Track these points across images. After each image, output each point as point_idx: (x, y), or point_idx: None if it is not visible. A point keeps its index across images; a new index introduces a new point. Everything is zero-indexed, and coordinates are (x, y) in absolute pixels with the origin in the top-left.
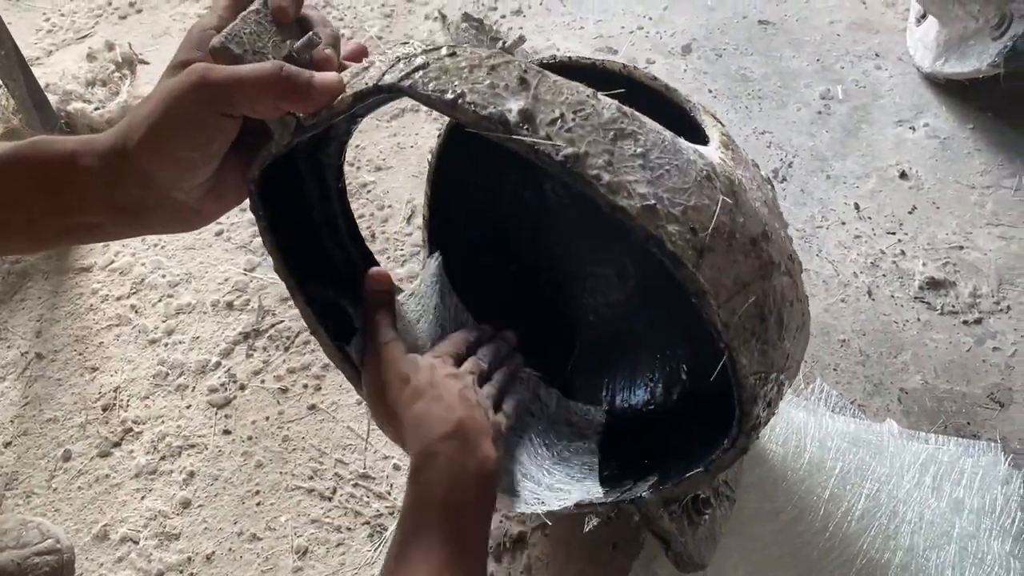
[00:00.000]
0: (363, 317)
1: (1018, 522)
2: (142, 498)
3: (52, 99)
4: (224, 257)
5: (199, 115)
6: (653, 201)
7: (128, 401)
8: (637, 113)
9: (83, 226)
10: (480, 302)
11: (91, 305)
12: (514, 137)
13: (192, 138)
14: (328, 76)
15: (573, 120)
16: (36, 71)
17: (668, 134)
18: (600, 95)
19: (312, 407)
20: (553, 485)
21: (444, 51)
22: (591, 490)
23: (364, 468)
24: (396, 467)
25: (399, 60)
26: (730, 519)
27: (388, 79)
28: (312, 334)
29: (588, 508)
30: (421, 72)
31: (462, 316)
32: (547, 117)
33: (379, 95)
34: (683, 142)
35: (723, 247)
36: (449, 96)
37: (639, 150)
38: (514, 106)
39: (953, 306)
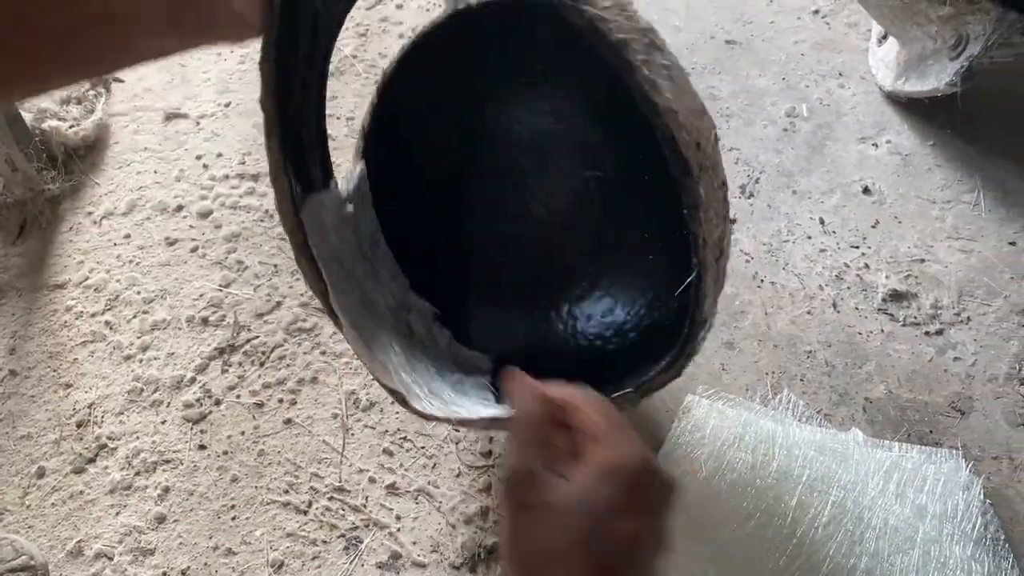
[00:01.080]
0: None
1: (979, 527)
2: (117, 514)
3: (27, 117)
4: (199, 273)
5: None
6: (676, 108)
7: (103, 417)
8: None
9: (141, 47)
10: (396, 230)
11: (65, 322)
12: (580, 6)
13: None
14: None
15: (621, 14)
16: None
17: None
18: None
19: (287, 421)
20: (454, 402)
21: None
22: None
23: (339, 481)
24: (371, 480)
25: None
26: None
27: None
28: (273, 181)
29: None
30: None
31: (376, 235)
32: (602, 2)
33: None
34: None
35: (710, 174)
36: None
37: (665, 62)
38: None
39: (915, 317)
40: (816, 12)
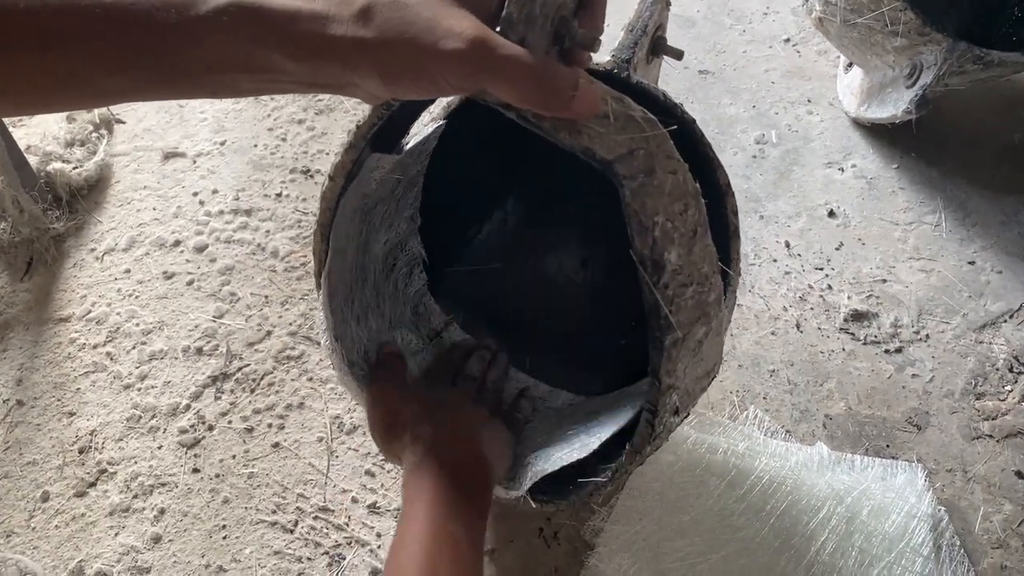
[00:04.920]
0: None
1: (928, 542)
2: (116, 535)
3: (32, 160)
4: (195, 305)
5: (443, 88)
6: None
7: (103, 443)
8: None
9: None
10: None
11: (69, 353)
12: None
13: (423, 92)
14: (591, 97)
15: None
16: (19, 132)
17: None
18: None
19: (276, 445)
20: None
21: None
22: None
23: (324, 501)
24: (354, 500)
25: None
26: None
27: None
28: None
29: None
30: None
31: (417, 179)
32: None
33: None
34: None
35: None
36: None
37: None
38: None
39: (875, 336)
40: (787, 40)
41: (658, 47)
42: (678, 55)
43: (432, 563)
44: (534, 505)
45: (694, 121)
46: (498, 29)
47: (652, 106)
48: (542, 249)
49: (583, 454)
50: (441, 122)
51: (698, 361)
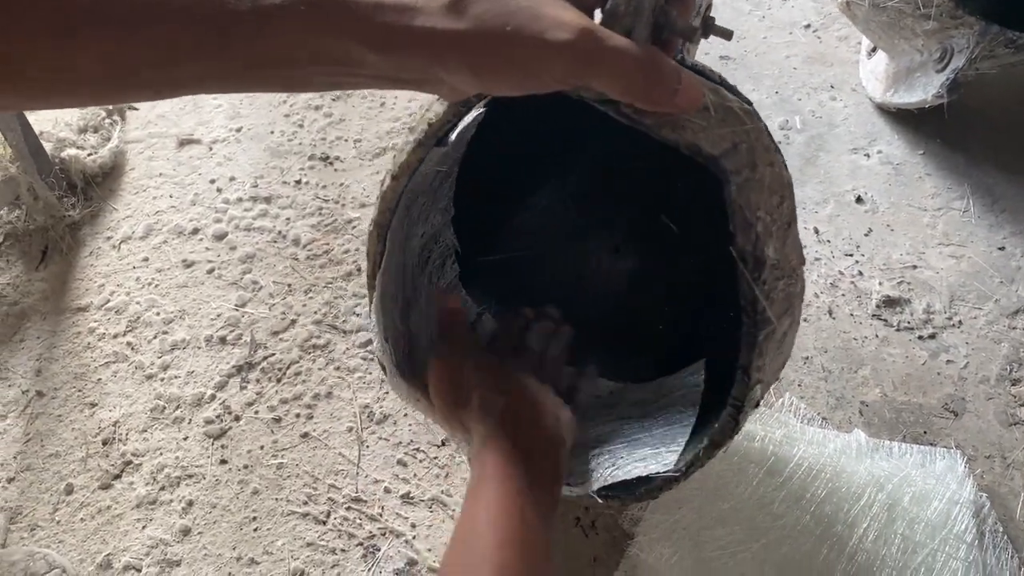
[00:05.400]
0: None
1: (971, 528)
2: (143, 527)
3: (47, 146)
4: (216, 294)
5: (545, 82)
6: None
7: (127, 435)
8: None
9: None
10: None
11: (88, 343)
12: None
13: (519, 87)
14: (695, 90)
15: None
16: (29, 119)
17: None
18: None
19: (305, 435)
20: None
21: None
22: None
23: (356, 492)
24: (387, 490)
25: None
26: None
27: None
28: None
29: None
30: None
31: (453, 168)
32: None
33: None
34: None
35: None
36: None
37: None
38: None
39: (908, 322)
40: (808, 27)
41: (708, 27)
42: (727, 35)
43: (505, 550)
44: (600, 502)
45: (751, 103)
46: (600, 20)
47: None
48: (575, 237)
49: (663, 468)
50: (481, 110)
51: (780, 353)
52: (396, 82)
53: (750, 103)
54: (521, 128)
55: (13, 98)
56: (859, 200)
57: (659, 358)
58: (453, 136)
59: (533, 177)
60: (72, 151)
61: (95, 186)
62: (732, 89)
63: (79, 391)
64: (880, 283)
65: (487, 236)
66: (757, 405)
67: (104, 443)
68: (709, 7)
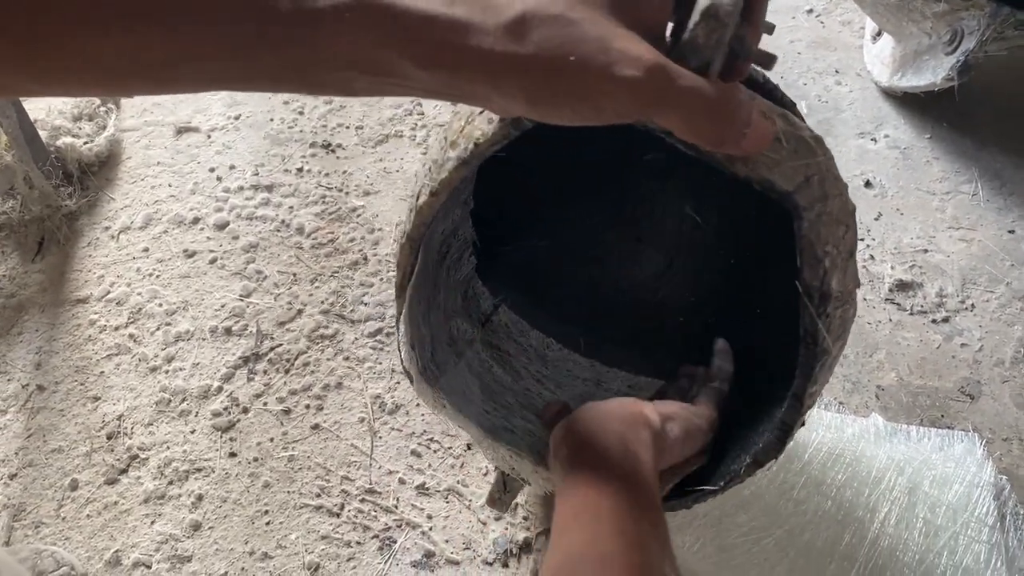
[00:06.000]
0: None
1: (992, 511)
2: (152, 523)
3: (42, 134)
4: (219, 284)
5: (607, 116)
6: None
7: (132, 428)
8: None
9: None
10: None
11: (89, 336)
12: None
13: (578, 118)
14: (764, 133)
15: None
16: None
17: None
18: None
19: (315, 427)
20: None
21: None
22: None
23: (370, 483)
24: (401, 481)
25: None
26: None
27: None
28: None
29: None
30: None
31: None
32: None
33: None
34: None
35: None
36: None
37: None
38: None
39: (922, 306)
40: (810, 11)
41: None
42: (769, 29)
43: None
44: None
45: (794, 104)
46: (673, 50)
47: (752, 88)
48: (595, 225)
49: (714, 485)
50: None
51: (829, 374)
52: (442, 96)
53: (793, 105)
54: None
55: (32, 84)
56: (868, 184)
57: (682, 352)
58: None
59: (559, 168)
60: (68, 139)
61: (92, 175)
62: (774, 91)
63: (81, 384)
64: (892, 267)
65: (505, 226)
66: (803, 424)
67: (108, 437)
68: None
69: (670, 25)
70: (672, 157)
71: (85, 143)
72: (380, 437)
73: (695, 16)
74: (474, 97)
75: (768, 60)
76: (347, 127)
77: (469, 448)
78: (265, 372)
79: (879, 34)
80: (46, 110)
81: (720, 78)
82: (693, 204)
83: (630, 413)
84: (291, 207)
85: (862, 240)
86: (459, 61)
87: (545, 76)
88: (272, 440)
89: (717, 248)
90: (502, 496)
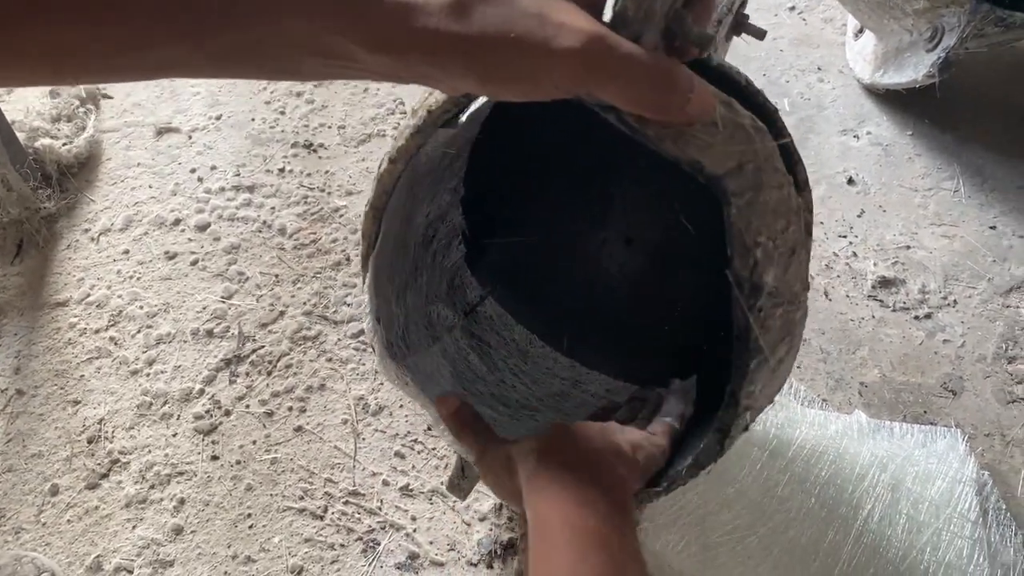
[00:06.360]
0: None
1: (975, 506)
2: (133, 527)
3: (20, 136)
4: (201, 286)
5: (547, 90)
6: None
7: (113, 432)
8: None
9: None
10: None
11: (69, 339)
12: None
13: (521, 94)
14: (706, 101)
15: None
16: (1, 107)
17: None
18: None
19: (298, 429)
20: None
21: None
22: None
23: (354, 485)
24: (385, 483)
25: None
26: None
27: None
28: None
29: None
30: None
31: (464, 148)
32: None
33: None
34: None
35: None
36: None
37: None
38: None
39: (904, 302)
40: (792, 8)
41: (740, 25)
42: (760, 34)
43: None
44: None
45: (776, 111)
46: (607, 25)
47: (733, 93)
48: (586, 224)
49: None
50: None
51: (775, 379)
52: (392, 79)
53: (775, 111)
54: (541, 114)
55: None
56: (850, 181)
57: (663, 364)
58: (463, 118)
59: (551, 162)
60: (46, 141)
61: (71, 177)
62: (756, 94)
63: (61, 388)
64: (875, 264)
65: (500, 218)
66: (746, 429)
67: (89, 441)
68: (743, 4)
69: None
70: (656, 165)
71: (64, 144)
72: (363, 439)
73: None
74: (424, 78)
75: (759, 33)
76: (329, 127)
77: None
78: (247, 374)
79: (861, 31)
80: (24, 111)
81: None
82: (685, 211)
83: (612, 442)
84: (273, 208)
85: (844, 237)
86: (406, 43)
87: (488, 54)
88: (255, 443)
89: (706, 257)
90: (460, 482)
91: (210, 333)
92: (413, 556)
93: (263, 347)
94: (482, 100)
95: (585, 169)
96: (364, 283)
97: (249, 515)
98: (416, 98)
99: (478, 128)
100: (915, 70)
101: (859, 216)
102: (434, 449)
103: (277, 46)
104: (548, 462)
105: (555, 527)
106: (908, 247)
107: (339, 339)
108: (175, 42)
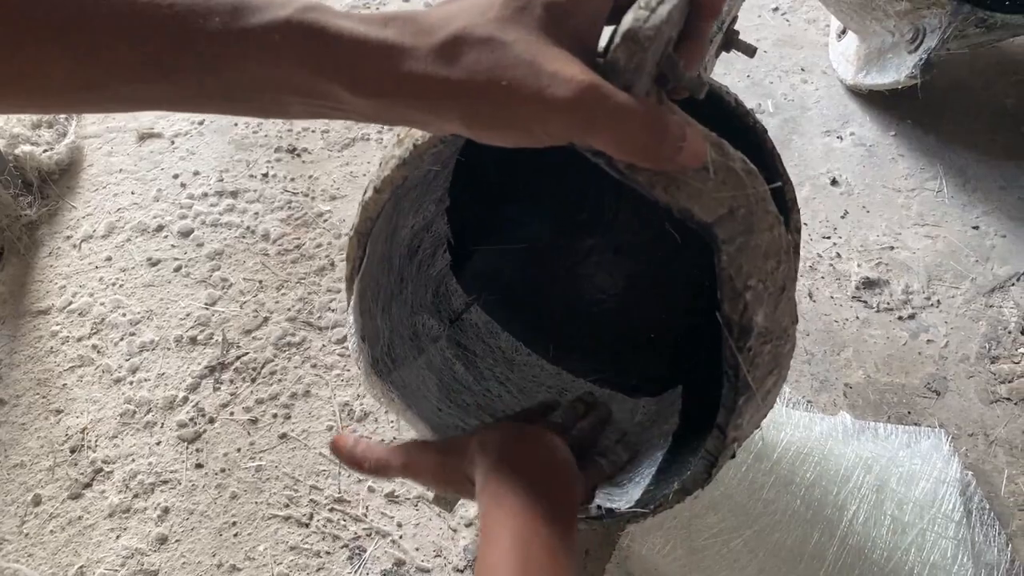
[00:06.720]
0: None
1: (959, 507)
2: (117, 537)
3: (0, 143)
4: (184, 293)
5: (539, 138)
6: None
7: (96, 441)
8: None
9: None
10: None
11: (51, 347)
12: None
13: (512, 141)
14: (698, 149)
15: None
16: None
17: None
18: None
19: (283, 436)
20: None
21: None
22: None
23: (339, 492)
24: (370, 489)
25: None
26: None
27: None
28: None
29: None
30: None
31: (450, 161)
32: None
33: None
34: None
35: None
36: None
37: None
38: None
39: (888, 303)
40: (776, 9)
41: (730, 42)
42: (751, 51)
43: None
44: None
45: (765, 131)
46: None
47: (722, 114)
48: (576, 234)
49: (626, 504)
50: None
51: (762, 409)
52: (378, 121)
53: (764, 131)
54: None
55: None
56: (834, 182)
57: (649, 373)
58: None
59: (536, 171)
60: (26, 147)
61: (52, 184)
62: (745, 115)
63: (43, 397)
64: (858, 265)
65: (484, 226)
66: (733, 456)
67: (72, 451)
68: (734, 20)
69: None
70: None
71: (45, 151)
72: None
73: (616, 38)
74: (412, 121)
75: (749, 50)
76: (312, 131)
77: None
78: (231, 381)
79: (844, 32)
80: (4, 118)
81: None
82: (671, 221)
83: (563, 458)
84: (257, 213)
85: (828, 238)
86: (392, 87)
87: (478, 101)
88: (239, 450)
89: (692, 267)
90: (447, 495)
91: (194, 340)
92: (399, 563)
93: (247, 354)
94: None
95: (573, 177)
96: (349, 305)
97: (234, 523)
98: None
99: (463, 142)
100: (897, 71)
101: (843, 217)
102: None
103: (259, 86)
104: (507, 466)
105: (504, 535)
106: (892, 248)
107: (324, 345)
108: (152, 79)
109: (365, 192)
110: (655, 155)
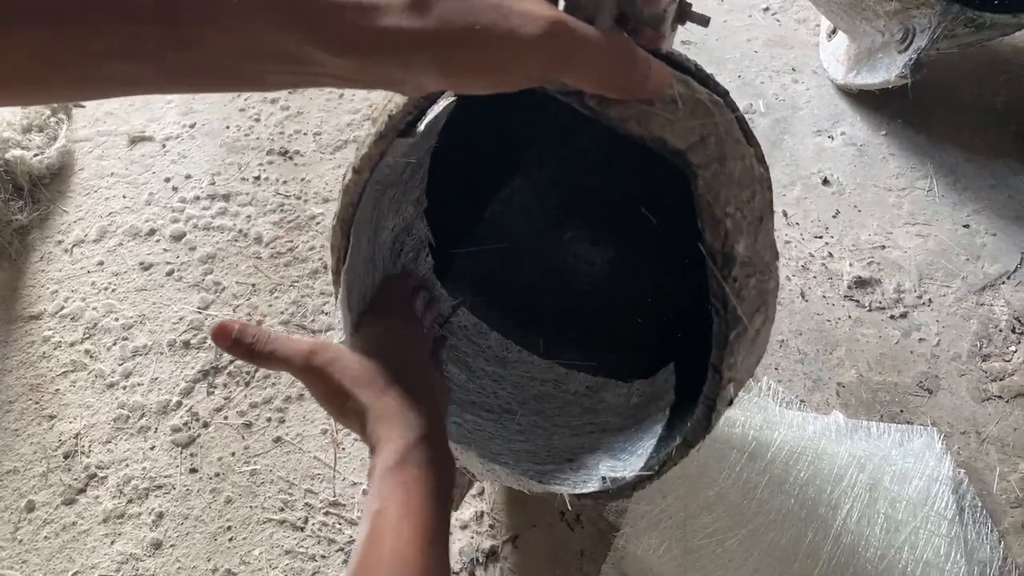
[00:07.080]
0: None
1: (951, 505)
2: (112, 543)
3: None
4: (177, 297)
5: (517, 80)
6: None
7: (90, 447)
8: None
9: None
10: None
11: (43, 353)
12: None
13: (489, 86)
14: (663, 76)
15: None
16: None
17: None
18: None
19: (277, 440)
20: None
21: None
22: None
23: (334, 496)
24: (365, 492)
25: None
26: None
27: None
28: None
29: None
30: None
31: (424, 158)
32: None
33: None
34: None
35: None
36: None
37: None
38: None
39: (880, 302)
40: (766, 9)
41: (684, 13)
42: (705, 22)
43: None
44: (577, 501)
45: (727, 93)
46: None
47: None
48: (553, 228)
49: (632, 472)
50: (452, 99)
51: (753, 351)
52: (356, 83)
53: (726, 93)
54: (493, 120)
55: None
56: (825, 182)
57: (640, 356)
58: (421, 126)
59: (507, 170)
60: (17, 152)
61: (43, 188)
62: (706, 79)
63: (36, 403)
64: (850, 264)
65: (464, 229)
66: (731, 403)
67: (65, 456)
68: None
69: None
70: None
71: (35, 155)
72: (343, 449)
73: None
74: (388, 82)
75: (703, 20)
76: (304, 133)
77: None
78: (225, 385)
79: (834, 32)
80: None
81: None
82: (647, 204)
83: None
84: (249, 216)
85: (819, 238)
86: (371, 45)
87: (453, 48)
88: (233, 455)
89: (672, 248)
90: None
91: (187, 344)
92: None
93: None
94: (440, 106)
95: (547, 173)
96: (336, 299)
97: (229, 528)
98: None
99: (436, 139)
100: (887, 71)
101: (834, 216)
102: None
103: (238, 55)
104: (413, 462)
105: (392, 527)
106: (883, 247)
107: None
108: (133, 59)
109: (345, 176)
110: (625, 83)
